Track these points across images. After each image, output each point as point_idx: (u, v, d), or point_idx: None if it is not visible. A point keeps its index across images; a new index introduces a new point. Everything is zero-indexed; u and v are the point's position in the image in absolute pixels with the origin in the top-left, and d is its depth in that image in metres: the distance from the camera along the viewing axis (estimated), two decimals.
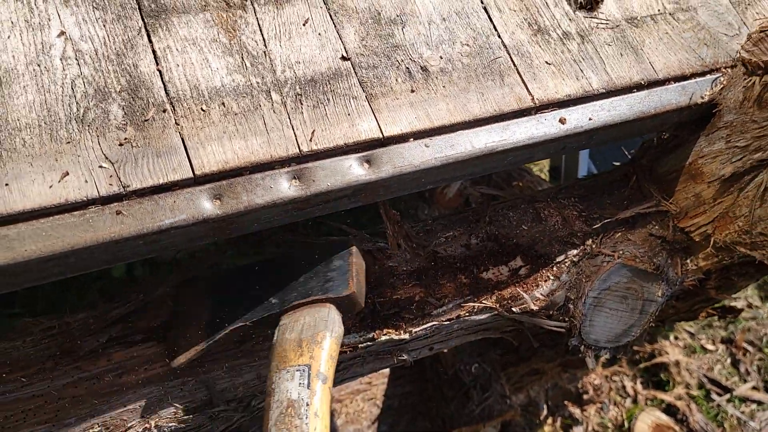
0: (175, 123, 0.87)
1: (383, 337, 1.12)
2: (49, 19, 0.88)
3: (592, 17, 1.16)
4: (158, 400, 0.98)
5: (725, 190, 1.16)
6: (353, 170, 0.93)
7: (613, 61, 1.13)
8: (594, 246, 1.24)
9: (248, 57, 0.95)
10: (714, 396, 2.71)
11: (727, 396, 2.71)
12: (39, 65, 0.85)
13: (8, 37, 0.86)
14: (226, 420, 1.06)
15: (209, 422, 1.02)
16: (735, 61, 1.18)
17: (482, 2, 1.11)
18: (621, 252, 1.24)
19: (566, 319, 1.24)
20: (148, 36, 0.92)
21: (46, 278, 0.82)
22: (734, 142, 1.12)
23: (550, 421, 2.49)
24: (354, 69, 0.99)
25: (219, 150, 0.87)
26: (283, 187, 0.89)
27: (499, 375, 1.98)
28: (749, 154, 1.10)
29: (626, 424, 2.56)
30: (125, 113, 0.86)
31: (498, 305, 1.20)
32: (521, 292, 1.21)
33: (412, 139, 0.97)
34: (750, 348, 2.91)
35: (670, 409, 2.63)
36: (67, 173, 0.80)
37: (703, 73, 1.17)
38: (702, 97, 1.15)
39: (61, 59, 0.87)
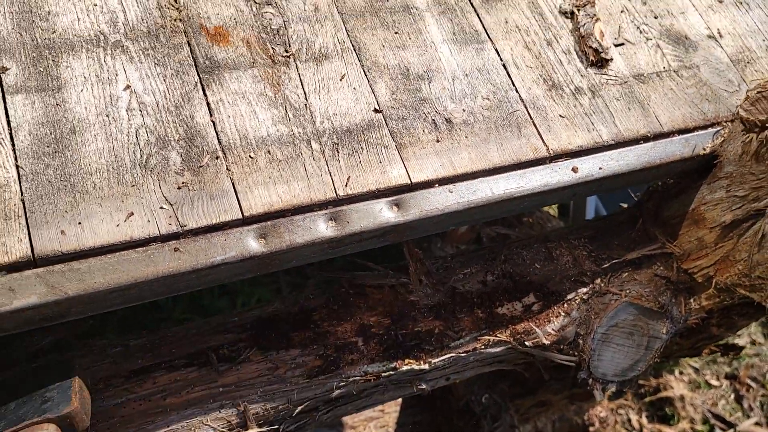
0: (227, 169, 0.97)
1: (405, 367, 1.20)
2: (117, 75, 0.99)
3: (602, 74, 1.26)
4: (198, 421, 1.06)
5: (726, 235, 1.24)
6: (384, 213, 1.02)
7: (622, 115, 1.22)
8: (603, 285, 1.32)
9: (291, 109, 1.05)
10: (718, 431, 2.75)
11: (731, 431, 2.76)
12: (108, 116, 0.95)
13: (81, 90, 0.96)
14: None
15: None
16: (734, 116, 1.28)
17: (501, 60, 1.21)
18: (628, 291, 1.32)
19: (576, 353, 1.32)
20: (203, 90, 1.02)
21: (108, 308, 0.91)
22: (734, 191, 1.21)
23: None
24: (385, 120, 1.09)
25: (265, 194, 0.97)
26: (321, 228, 0.98)
27: (508, 406, 2.05)
28: (748, 203, 1.19)
29: None
30: (183, 159, 0.96)
31: (512, 339, 1.28)
32: (534, 327, 1.29)
33: (437, 185, 1.07)
34: (753, 384, 2.95)
35: None
36: (132, 213, 0.90)
37: (705, 126, 1.27)
38: (704, 149, 1.24)
39: (126, 110, 0.97)
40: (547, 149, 1.14)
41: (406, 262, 1.26)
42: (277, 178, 0.99)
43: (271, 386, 1.11)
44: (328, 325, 1.20)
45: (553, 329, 1.29)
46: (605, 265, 1.35)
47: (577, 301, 1.31)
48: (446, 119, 1.12)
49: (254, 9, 1.11)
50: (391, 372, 1.20)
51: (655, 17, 1.38)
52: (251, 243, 0.94)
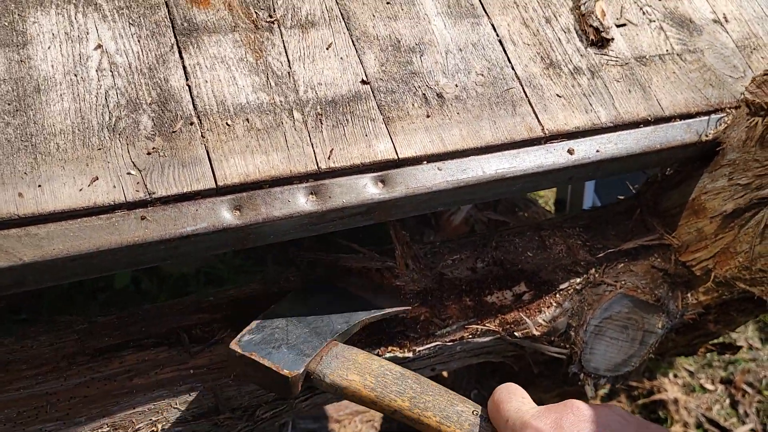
0: (201, 136, 0.91)
1: (388, 354, 1.15)
2: (88, 33, 0.93)
3: (602, 54, 1.21)
4: (166, 404, 1.00)
5: (726, 225, 1.19)
6: (368, 189, 0.96)
7: (622, 97, 1.17)
8: (597, 275, 1.27)
9: (273, 77, 0.99)
10: None
11: None
12: (76, 75, 0.90)
13: (48, 47, 0.90)
14: (229, 428, 1.07)
15: (214, 429, 1.04)
16: (739, 102, 1.22)
17: (497, 35, 1.16)
18: (623, 282, 1.27)
19: (567, 345, 1.27)
20: (180, 52, 0.96)
21: (69, 278, 0.85)
22: (736, 179, 1.16)
23: None
24: (373, 93, 1.03)
25: (241, 163, 0.91)
26: (301, 201, 0.93)
27: None
28: (751, 191, 1.13)
29: None
30: (154, 124, 0.90)
31: (501, 329, 1.22)
32: (524, 317, 1.23)
33: (425, 162, 1.01)
34: (749, 389, 2.90)
35: None
36: (97, 178, 0.84)
37: (707, 113, 1.22)
38: (706, 135, 1.19)
39: (96, 71, 0.91)
40: (543, 129, 1.09)
41: (393, 246, 1.21)
42: (255, 147, 0.93)
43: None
44: None
45: (543, 320, 1.24)
46: (600, 255, 1.30)
47: (569, 292, 1.26)
48: (437, 94, 1.07)
49: None
50: None
51: None
52: (225, 214, 0.88)
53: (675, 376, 2.93)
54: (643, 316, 1.28)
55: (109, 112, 0.89)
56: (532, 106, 1.11)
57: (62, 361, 0.99)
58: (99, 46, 0.93)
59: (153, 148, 0.88)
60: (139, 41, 0.95)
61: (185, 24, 0.98)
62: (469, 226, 2.34)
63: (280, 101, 0.98)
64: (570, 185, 2.76)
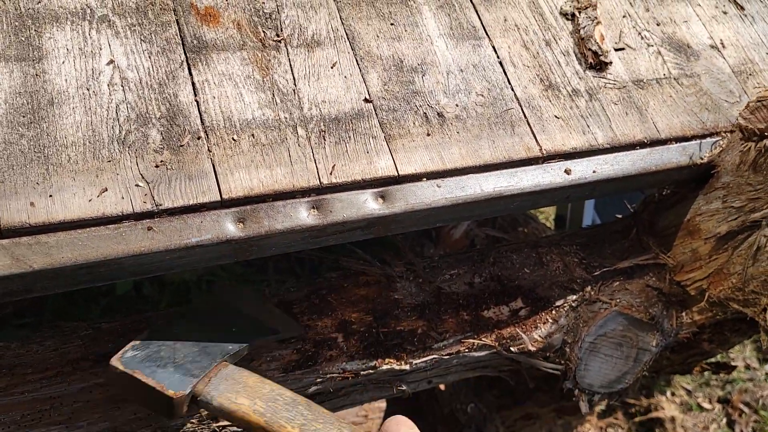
0: (208, 150, 0.94)
1: (385, 366, 1.17)
2: (101, 49, 0.96)
3: (600, 77, 1.24)
4: None
5: (720, 247, 1.21)
6: (368, 204, 0.99)
7: (619, 119, 1.20)
8: (592, 293, 1.29)
9: (279, 94, 1.02)
10: None
11: None
12: (88, 89, 0.93)
13: (63, 62, 0.94)
14: None
15: None
16: (734, 127, 1.25)
17: (498, 57, 1.19)
18: (618, 300, 1.29)
19: (562, 361, 1.29)
20: (189, 69, 0.99)
21: (76, 285, 0.88)
22: (730, 202, 1.18)
23: None
24: (375, 111, 1.06)
25: (246, 177, 0.94)
26: (302, 215, 0.95)
27: (494, 417, 2.00)
28: (744, 214, 1.16)
29: None
30: (163, 138, 0.93)
31: (497, 344, 1.24)
32: (520, 333, 1.25)
33: (425, 179, 1.04)
34: (746, 409, 2.91)
35: None
36: (106, 189, 0.87)
37: (703, 136, 1.24)
38: (701, 158, 1.21)
39: (108, 85, 0.94)
40: (541, 149, 1.12)
41: (392, 256, 1.23)
42: (260, 162, 0.96)
43: None
44: (307, 318, 1.17)
45: (539, 336, 1.26)
46: (596, 273, 1.32)
47: (565, 308, 1.28)
48: (438, 113, 1.10)
49: None
50: (370, 371, 1.16)
51: (658, 24, 1.36)
52: (229, 226, 0.91)
53: (672, 394, 2.93)
54: (637, 334, 1.30)
55: (120, 126, 0.92)
56: (530, 127, 1.13)
57: (66, 366, 1.01)
58: (111, 61, 0.96)
59: (161, 161, 0.91)
60: (150, 57, 0.98)
61: (195, 41, 1.01)
62: (469, 240, 2.37)
63: (285, 117, 1.01)
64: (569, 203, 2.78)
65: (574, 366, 1.28)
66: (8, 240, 0.81)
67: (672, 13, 1.39)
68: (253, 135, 0.98)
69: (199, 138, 0.95)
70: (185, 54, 1.00)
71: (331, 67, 1.07)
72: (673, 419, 2.79)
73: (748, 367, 3.05)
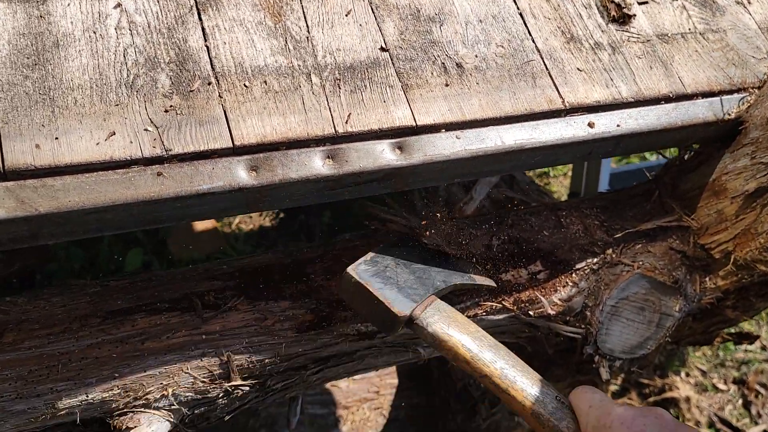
0: (219, 96, 0.91)
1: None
2: None
3: (623, 30, 1.19)
4: (177, 368, 0.99)
5: (748, 205, 1.17)
6: (385, 154, 0.95)
7: (643, 73, 1.15)
8: (614, 255, 1.25)
9: (291, 41, 0.99)
10: None
11: None
12: (95, 32, 0.89)
13: (68, 4, 0.90)
14: (240, 397, 1.07)
15: (224, 396, 1.03)
16: (762, 82, 1.20)
17: (518, 8, 1.15)
18: (641, 263, 1.25)
19: (582, 325, 1.25)
20: (199, 14, 0.96)
21: (83, 233, 0.85)
22: (759, 158, 1.14)
23: None
24: (392, 60, 1.02)
25: (258, 124, 0.90)
26: (317, 164, 0.92)
27: None
28: None
29: None
30: (172, 83, 0.90)
31: (515, 307, 1.21)
32: (539, 296, 1.22)
33: (443, 130, 1.00)
34: (762, 390, 2.86)
35: None
36: (114, 133, 0.84)
37: (730, 91, 1.20)
38: (729, 114, 1.17)
39: (115, 29, 0.91)
40: (563, 101, 1.07)
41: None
42: (273, 109, 0.92)
43: (257, 337, 1.05)
44: (322, 279, 1.13)
45: (559, 299, 1.22)
46: (617, 236, 1.28)
47: (586, 271, 1.24)
48: (457, 64, 1.06)
49: None
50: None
51: None
52: (241, 174, 0.87)
53: (687, 374, 2.89)
54: (660, 298, 1.26)
55: (127, 70, 0.89)
56: (552, 79, 1.09)
57: (74, 322, 0.98)
58: (118, 5, 0.92)
59: (170, 106, 0.88)
60: (158, 1, 0.95)
61: None
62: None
63: (299, 65, 0.97)
64: (584, 179, 2.73)
65: (595, 330, 1.24)
66: (13, 182, 0.78)
67: None
68: (265, 82, 0.94)
69: (209, 83, 0.91)
70: None
71: (346, 15, 1.04)
72: (688, 399, 2.75)
73: (764, 348, 3.01)
